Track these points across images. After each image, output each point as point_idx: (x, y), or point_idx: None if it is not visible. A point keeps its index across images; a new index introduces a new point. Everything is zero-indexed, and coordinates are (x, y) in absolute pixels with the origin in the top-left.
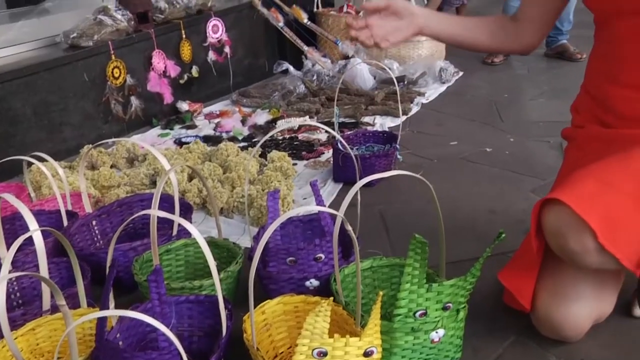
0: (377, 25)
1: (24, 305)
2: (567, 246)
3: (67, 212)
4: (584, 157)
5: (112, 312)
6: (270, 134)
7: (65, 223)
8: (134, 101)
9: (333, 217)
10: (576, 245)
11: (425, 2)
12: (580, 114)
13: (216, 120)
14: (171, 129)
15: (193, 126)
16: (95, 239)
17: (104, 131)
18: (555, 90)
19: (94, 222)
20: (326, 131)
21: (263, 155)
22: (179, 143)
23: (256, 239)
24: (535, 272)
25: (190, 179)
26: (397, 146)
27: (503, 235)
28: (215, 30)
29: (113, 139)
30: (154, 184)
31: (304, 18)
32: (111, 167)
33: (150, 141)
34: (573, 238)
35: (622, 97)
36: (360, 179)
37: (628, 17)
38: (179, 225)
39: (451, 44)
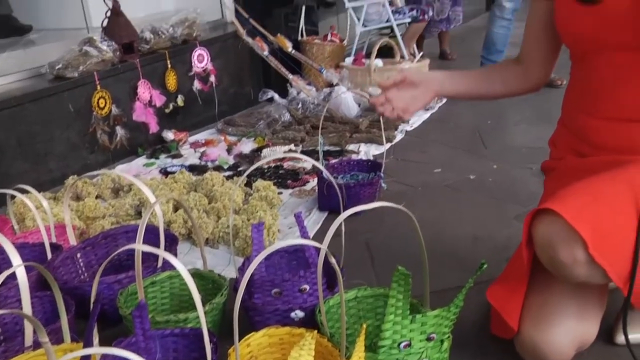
0: (396, 98)
1: (6, 341)
2: (557, 257)
3: (51, 244)
4: (564, 186)
5: (96, 350)
6: (255, 165)
7: (49, 256)
8: (120, 131)
9: (318, 249)
10: (566, 256)
11: (403, 31)
12: (558, 147)
13: (202, 149)
14: (157, 158)
15: (178, 155)
16: (80, 271)
17: (89, 161)
18: (536, 116)
19: (78, 255)
20: (313, 164)
21: (248, 184)
22: (165, 172)
23: (241, 270)
24: (522, 290)
25: (176, 209)
26: (382, 174)
27: (485, 266)
28: (201, 60)
29: (98, 172)
30: (139, 214)
31: (289, 47)
32: (96, 197)
33: (136, 171)
34: (563, 248)
35: (598, 127)
36: (345, 208)
37: (604, 53)
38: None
39: (469, 99)
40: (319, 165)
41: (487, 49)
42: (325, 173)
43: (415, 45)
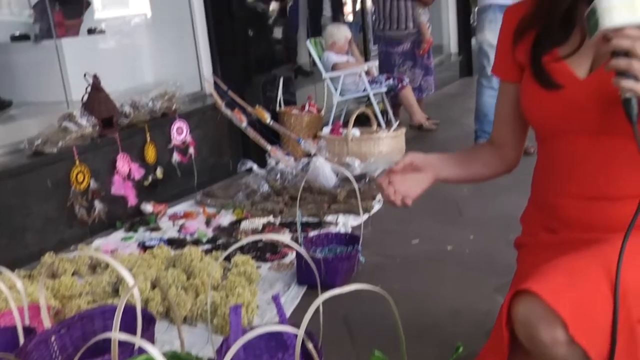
0: (397, 181)
1: None
2: (537, 337)
3: (25, 328)
4: (537, 262)
5: None
6: (233, 247)
7: (22, 340)
8: (98, 205)
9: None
10: (546, 336)
11: (379, 100)
12: (529, 225)
13: (180, 222)
14: (135, 231)
15: (157, 228)
16: (54, 355)
17: (66, 236)
18: (511, 184)
19: (52, 338)
20: (292, 238)
21: (227, 258)
22: (143, 247)
23: (219, 352)
24: None
25: (154, 286)
26: (359, 248)
27: (460, 349)
28: (180, 132)
29: (74, 253)
30: (117, 292)
31: (267, 118)
32: (73, 274)
33: (114, 245)
34: (544, 329)
35: (566, 206)
36: (323, 282)
37: (568, 136)
38: None
39: (462, 183)
40: (296, 246)
41: (479, 121)
42: (303, 253)
43: (392, 113)
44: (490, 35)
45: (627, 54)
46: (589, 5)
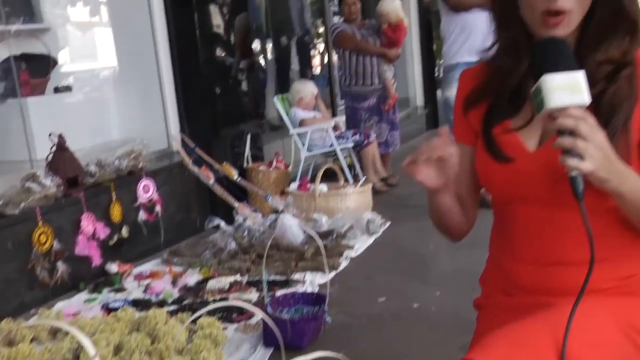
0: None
1: None
2: None
3: None
4: (494, 325)
5: None
6: (200, 312)
7: None
8: (61, 266)
9: None
10: None
11: (347, 154)
12: (488, 285)
13: (146, 282)
14: (99, 292)
15: (122, 289)
16: None
17: (27, 299)
18: (475, 239)
19: None
20: (259, 297)
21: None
22: (107, 309)
23: None
24: None
25: (117, 352)
26: (326, 308)
27: None
28: (146, 190)
29: (33, 322)
30: (78, 358)
31: (234, 174)
32: (32, 340)
33: (77, 308)
34: None
35: (520, 271)
36: (290, 344)
37: (521, 205)
38: None
39: (444, 223)
40: (259, 311)
41: None
42: (266, 318)
43: (359, 168)
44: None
45: (571, 132)
46: (536, 82)
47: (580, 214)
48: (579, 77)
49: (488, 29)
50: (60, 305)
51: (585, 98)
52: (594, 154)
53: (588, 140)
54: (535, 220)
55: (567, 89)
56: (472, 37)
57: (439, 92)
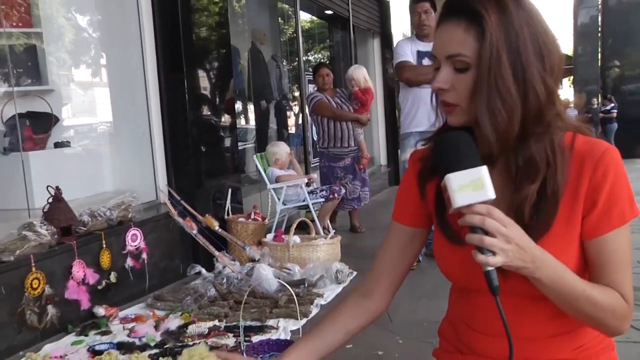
0: None
1: None
2: None
3: None
4: None
5: None
6: None
7: None
8: (51, 310)
9: None
10: None
11: (319, 208)
12: (445, 340)
13: (130, 325)
14: (86, 335)
15: (108, 332)
16: None
17: (16, 342)
18: (436, 289)
19: None
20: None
21: None
22: (93, 352)
23: None
24: None
25: None
26: None
27: None
28: (134, 239)
29: (24, 358)
30: None
31: (215, 225)
32: None
33: (63, 351)
34: None
35: (474, 338)
36: None
37: (477, 291)
38: None
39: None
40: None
41: None
42: None
43: (329, 221)
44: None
45: (481, 228)
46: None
47: (537, 301)
48: (481, 174)
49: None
50: (48, 347)
51: (490, 193)
52: (504, 247)
53: (496, 235)
54: (491, 304)
55: (470, 187)
56: (421, 109)
57: (400, 153)
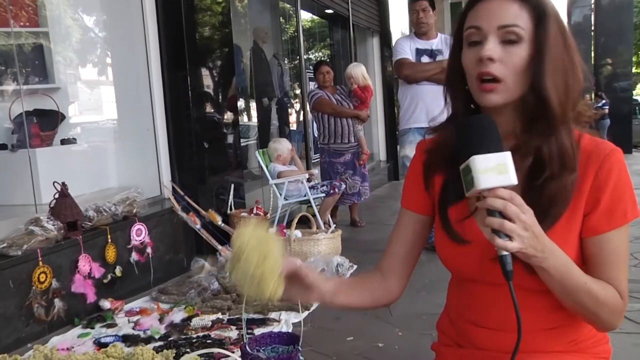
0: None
1: None
2: None
3: None
4: None
5: None
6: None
7: None
8: (57, 303)
9: None
10: None
11: (320, 203)
12: (443, 333)
13: (135, 318)
14: (92, 328)
15: (113, 324)
16: None
17: (24, 334)
18: (434, 283)
19: None
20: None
21: (177, 355)
22: (99, 344)
23: None
24: None
25: None
26: (299, 348)
27: None
28: (139, 234)
29: (32, 350)
30: None
31: (219, 220)
32: None
33: (70, 343)
34: None
35: (473, 332)
36: None
37: (480, 285)
38: None
39: (345, 309)
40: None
41: None
42: None
43: (329, 216)
44: (410, 152)
45: (500, 212)
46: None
47: (538, 294)
48: (506, 159)
49: (432, 100)
50: (55, 340)
51: (512, 179)
52: (522, 233)
53: (516, 221)
54: (491, 298)
55: (494, 170)
56: (419, 106)
57: (399, 148)
